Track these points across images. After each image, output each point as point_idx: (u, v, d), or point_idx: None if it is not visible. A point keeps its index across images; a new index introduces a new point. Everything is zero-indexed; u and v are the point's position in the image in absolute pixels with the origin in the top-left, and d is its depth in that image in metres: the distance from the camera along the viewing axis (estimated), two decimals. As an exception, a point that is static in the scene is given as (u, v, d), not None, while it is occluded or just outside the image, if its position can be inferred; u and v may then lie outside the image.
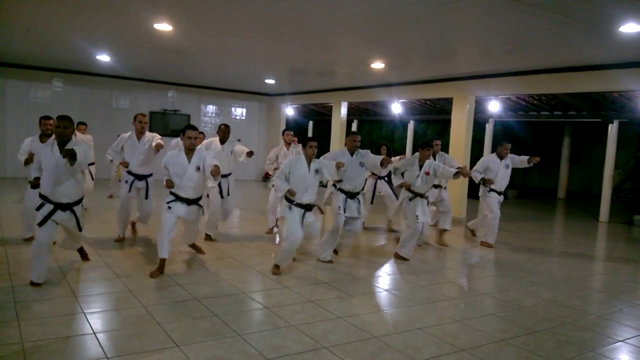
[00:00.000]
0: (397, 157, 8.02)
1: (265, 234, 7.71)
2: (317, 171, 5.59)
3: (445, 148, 11.35)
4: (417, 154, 6.60)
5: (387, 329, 4.12)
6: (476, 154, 11.29)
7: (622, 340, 4.21)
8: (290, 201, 5.51)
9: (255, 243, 7.09)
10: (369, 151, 6.31)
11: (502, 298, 5.22)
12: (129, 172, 6.43)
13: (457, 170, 6.20)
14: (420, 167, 6.46)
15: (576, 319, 4.70)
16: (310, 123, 19.61)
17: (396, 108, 14.36)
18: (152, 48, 8.95)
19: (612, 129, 11.41)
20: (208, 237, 7.00)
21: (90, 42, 8.84)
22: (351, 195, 6.14)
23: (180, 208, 5.26)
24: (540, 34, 6.33)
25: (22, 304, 4.13)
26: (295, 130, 19.68)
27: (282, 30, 6.98)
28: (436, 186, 7.49)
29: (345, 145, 6.32)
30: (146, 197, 6.52)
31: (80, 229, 4.89)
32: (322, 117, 18.31)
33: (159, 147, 6.26)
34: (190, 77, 13.90)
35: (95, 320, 3.91)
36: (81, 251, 5.57)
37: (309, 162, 5.58)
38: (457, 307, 4.83)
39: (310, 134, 19.98)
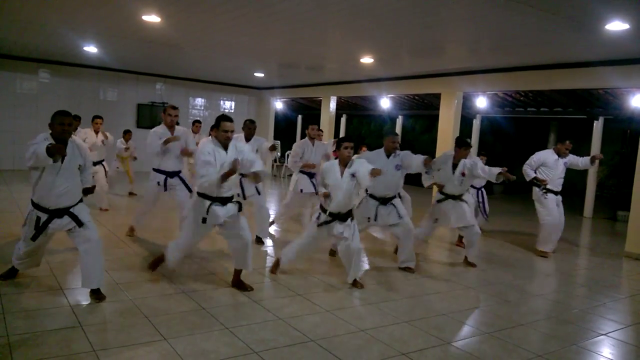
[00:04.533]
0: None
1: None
2: (352, 176, 4.88)
3: (433, 143, 11.43)
4: (450, 151, 6.17)
5: (374, 322, 4.15)
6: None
7: (605, 334, 4.29)
8: (323, 210, 4.98)
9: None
10: (409, 152, 5.75)
11: (487, 292, 5.28)
12: (159, 170, 6.06)
13: (500, 171, 5.83)
14: (455, 166, 6.02)
15: (560, 312, 4.78)
16: (299, 117, 19.58)
17: (385, 103, 14.37)
18: (141, 40, 8.86)
19: (597, 125, 11.56)
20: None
21: (78, 33, 8.73)
22: (383, 200, 5.63)
23: (217, 212, 4.41)
24: (527, 31, 6.37)
25: (8, 297, 4.10)
26: (284, 124, 19.79)
27: (271, 24, 6.94)
28: None
29: (383, 145, 5.72)
30: (190, 192, 5.99)
31: (80, 224, 4.08)
32: (311, 111, 18.27)
33: (186, 154, 6.12)
34: (178, 70, 13.78)
35: (82, 314, 3.90)
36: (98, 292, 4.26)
37: (343, 166, 4.95)
38: (443, 301, 4.88)
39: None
